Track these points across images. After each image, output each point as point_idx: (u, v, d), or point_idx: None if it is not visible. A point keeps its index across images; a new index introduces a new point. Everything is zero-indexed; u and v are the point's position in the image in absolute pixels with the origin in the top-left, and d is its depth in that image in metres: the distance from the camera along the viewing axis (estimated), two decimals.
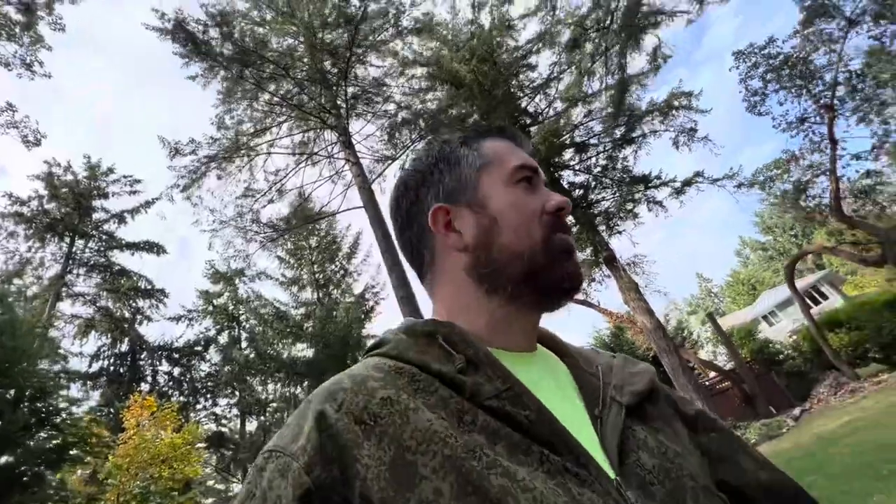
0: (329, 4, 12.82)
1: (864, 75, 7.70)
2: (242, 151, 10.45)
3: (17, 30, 8.66)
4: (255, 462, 0.42)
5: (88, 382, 18.96)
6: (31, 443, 6.32)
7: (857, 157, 8.18)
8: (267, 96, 10.66)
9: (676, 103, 13.58)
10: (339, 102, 11.51)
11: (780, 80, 8.39)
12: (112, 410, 17.64)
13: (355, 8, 11.57)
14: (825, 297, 18.72)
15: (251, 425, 21.48)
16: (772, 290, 22.49)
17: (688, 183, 12.66)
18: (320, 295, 17.35)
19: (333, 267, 18.60)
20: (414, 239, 0.61)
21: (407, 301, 8.47)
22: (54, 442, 6.79)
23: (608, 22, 7.58)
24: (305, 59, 11.07)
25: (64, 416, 8.13)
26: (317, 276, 18.03)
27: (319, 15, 12.34)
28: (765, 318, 19.93)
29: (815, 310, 18.34)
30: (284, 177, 11.21)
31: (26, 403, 6.87)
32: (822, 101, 7.96)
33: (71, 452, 7.16)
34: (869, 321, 10.17)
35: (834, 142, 7.97)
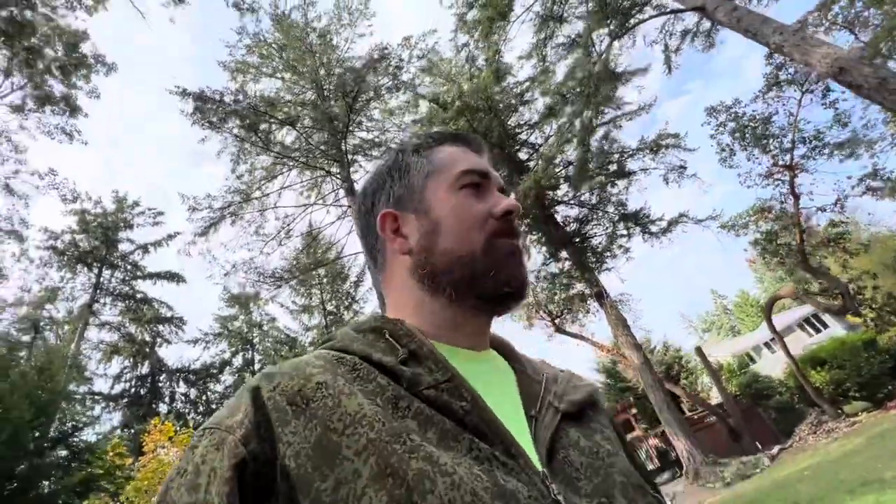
0: (335, 59, 13.96)
1: (820, 138, 8.28)
2: (254, 199, 11.43)
3: (60, 105, 9.96)
4: (190, 441, 0.43)
5: (111, 403, 20.13)
6: (63, 478, 7.14)
7: (822, 209, 8.70)
8: (277, 148, 11.63)
9: (664, 143, 14.28)
10: (344, 148, 12.46)
11: (744, 138, 9.00)
12: (132, 431, 18.71)
13: (357, 69, 12.64)
14: (825, 326, 18.77)
15: None
16: (775, 317, 22.47)
17: (674, 222, 13.22)
18: (328, 322, 18.19)
19: (341, 295, 19.46)
20: (371, 243, 0.63)
21: None
22: (80, 474, 7.57)
23: (581, 93, 8.29)
24: (310, 114, 12.10)
25: (90, 444, 8.95)
26: (325, 304, 18.91)
27: (326, 69, 13.45)
28: (766, 344, 20.01)
29: (814, 339, 18.42)
30: (292, 221, 12.13)
31: (61, 440, 7.76)
32: (781, 160, 8.53)
33: (97, 483, 7.96)
34: (849, 360, 10.49)
35: (796, 197, 8.50)
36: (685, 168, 14.07)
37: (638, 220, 14.51)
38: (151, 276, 19.81)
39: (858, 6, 12.80)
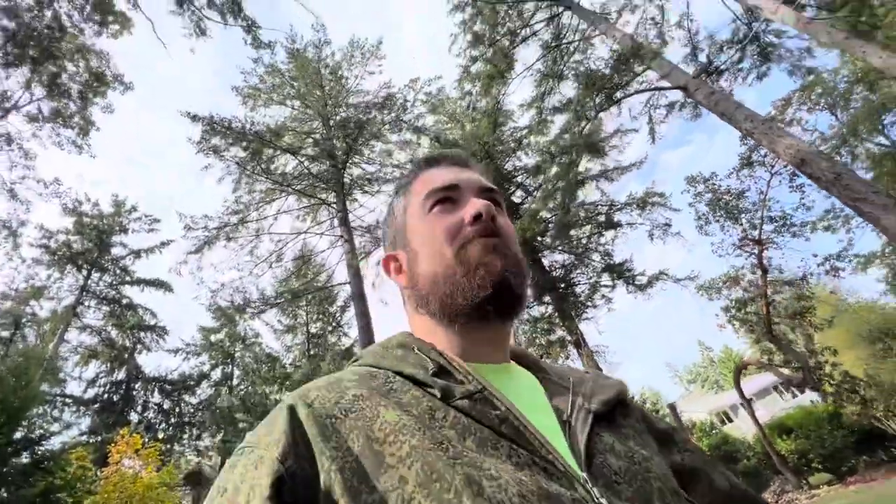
0: (343, 94, 14.62)
1: (786, 218, 8.87)
2: (250, 221, 11.77)
3: (75, 119, 10.47)
4: (228, 460, 0.44)
5: (81, 408, 19.76)
6: (22, 488, 7.09)
7: (790, 283, 9.17)
8: (278, 176, 12.06)
9: (651, 200, 14.88)
10: (342, 179, 12.92)
11: (717, 210, 9.56)
12: (99, 438, 18.31)
13: (363, 105, 13.28)
14: (802, 391, 18.97)
15: None
16: (753, 377, 22.73)
17: (655, 278, 13.65)
18: (309, 346, 18.22)
19: (327, 318, 19.54)
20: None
21: None
22: (41, 485, 7.49)
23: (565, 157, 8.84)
24: (313, 146, 12.63)
25: (53, 451, 8.88)
26: (309, 325, 18.97)
27: (334, 102, 14.08)
28: (742, 404, 20.14)
29: (789, 403, 18.59)
30: (285, 245, 12.43)
31: (27, 447, 7.75)
32: (751, 235, 9.06)
33: (57, 495, 7.88)
34: (814, 431, 10.70)
35: (764, 270, 8.97)
36: (670, 226, 14.60)
37: (622, 272, 14.94)
38: (140, 282, 19.89)
39: (840, 88, 13.74)
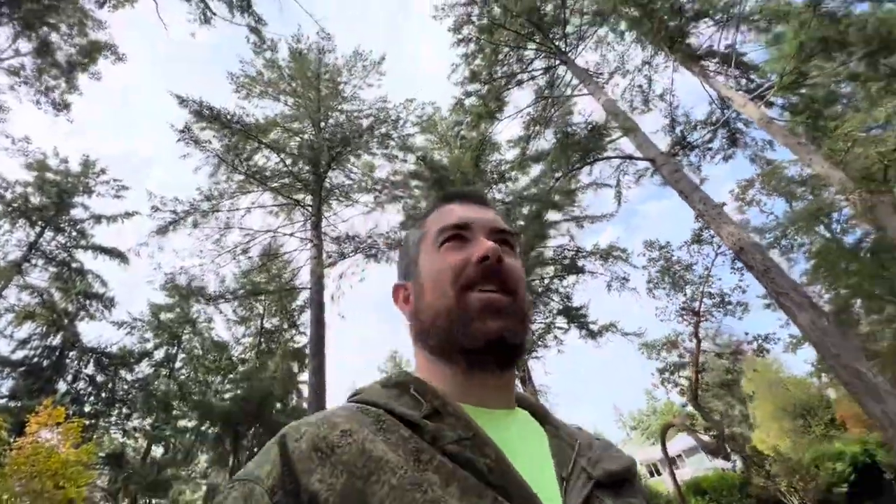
0: (338, 100, 14.84)
1: (724, 296, 9.69)
2: (221, 211, 11.71)
3: (60, 80, 10.25)
4: (219, 492, 0.44)
5: (6, 368, 18.68)
6: None
7: (720, 355, 9.92)
8: (257, 171, 12.07)
9: (614, 254, 15.65)
10: (322, 184, 13.03)
11: (666, 277, 10.28)
12: (19, 404, 17.31)
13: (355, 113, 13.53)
14: None
15: (158, 451, 20.94)
16: (685, 433, 23.74)
17: (605, 328, 14.31)
18: (261, 341, 17.95)
19: (284, 315, 19.28)
20: None
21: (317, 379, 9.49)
22: None
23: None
24: (299, 145, 12.75)
25: None
26: (265, 320, 18.71)
27: (327, 109, 14.27)
28: (672, 460, 20.97)
29: (714, 464, 19.46)
30: (253, 239, 12.39)
31: None
32: (691, 306, 9.80)
33: None
34: (725, 497, 11.35)
35: (698, 340, 9.68)
36: (628, 280, 15.41)
37: (577, 316, 15.55)
38: (95, 248, 19.18)
39: (793, 182, 14.98)
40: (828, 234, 14.20)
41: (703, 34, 12.11)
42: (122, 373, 21.52)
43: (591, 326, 14.37)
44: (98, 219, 19.46)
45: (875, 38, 9.46)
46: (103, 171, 20.50)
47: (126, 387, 21.38)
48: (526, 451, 0.51)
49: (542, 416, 0.61)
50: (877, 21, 9.20)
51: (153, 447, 19.43)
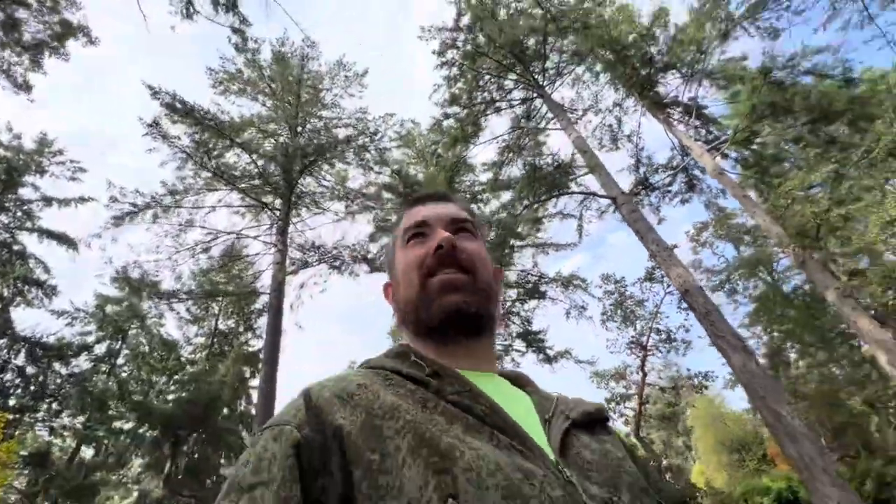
0: (317, 107, 14.83)
1: (670, 333, 10.28)
2: (184, 207, 11.38)
3: (24, 58, 9.73)
4: (249, 440, 0.67)
5: None
6: None
7: (663, 389, 10.44)
8: (226, 166, 11.84)
9: (575, 283, 16.18)
10: (292, 189, 12.88)
11: (617, 311, 10.78)
12: None
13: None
14: None
15: (88, 453, 19.59)
16: None
17: (560, 354, 14.71)
18: (213, 342, 17.31)
19: (240, 316, 18.70)
20: None
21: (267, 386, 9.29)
22: None
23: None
24: (274, 147, 12.62)
25: None
26: (219, 321, 18.08)
27: (305, 115, 14.23)
28: None
29: None
30: (215, 239, 12.07)
31: None
32: (639, 340, 10.31)
33: None
34: None
35: (644, 373, 10.16)
36: (585, 309, 15.93)
37: (536, 341, 15.89)
38: (42, 231, 18.08)
39: (740, 224, 16.04)
40: (769, 281, 15.27)
41: (671, 84, 12.99)
42: (57, 366, 20.09)
43: (549, 351, 14.71)
44: (49, 201, 18.41)
45: (816, 108, 10.45)
46: (60, 152, 19.45)
47: (59, 381, 19.95)
48: (512, 401, 0.59)
49: (524, 382, 0.70)
50: (818, 93, 10.16)
51: (83, 448, 18.18)
